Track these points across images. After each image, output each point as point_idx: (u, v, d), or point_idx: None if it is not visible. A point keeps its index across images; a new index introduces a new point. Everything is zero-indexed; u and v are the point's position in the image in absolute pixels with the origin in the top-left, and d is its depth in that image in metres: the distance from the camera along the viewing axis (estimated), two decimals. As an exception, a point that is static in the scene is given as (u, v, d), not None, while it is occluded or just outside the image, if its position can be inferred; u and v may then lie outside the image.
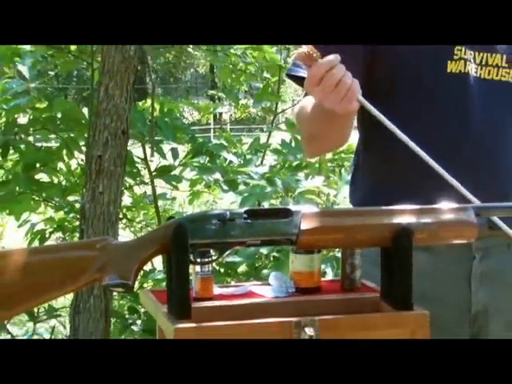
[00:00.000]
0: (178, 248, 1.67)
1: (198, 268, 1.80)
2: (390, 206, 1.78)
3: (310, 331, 1.63)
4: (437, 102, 2.09)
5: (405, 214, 1.75)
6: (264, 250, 3.78)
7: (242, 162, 4.30)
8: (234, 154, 4.41)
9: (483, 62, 2.13)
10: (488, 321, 2.18)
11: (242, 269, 4.03)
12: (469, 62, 2.11)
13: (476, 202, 1.90)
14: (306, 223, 1.71)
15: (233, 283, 2.05)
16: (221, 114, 16.62)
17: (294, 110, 2.24)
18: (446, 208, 1.78)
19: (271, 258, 3.87)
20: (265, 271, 3.76)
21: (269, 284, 1.93)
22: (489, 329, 2.19)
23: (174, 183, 4.43)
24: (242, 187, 4.02)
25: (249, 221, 1.71)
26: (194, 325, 1.63)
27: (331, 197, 3.86)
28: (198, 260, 1.76)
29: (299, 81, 2.18)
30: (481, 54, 2.12)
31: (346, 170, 4.22)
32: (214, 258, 1.77)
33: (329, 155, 4.35)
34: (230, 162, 4.31)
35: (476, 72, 2.12)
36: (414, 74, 2.08)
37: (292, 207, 1.74)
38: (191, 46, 4.91)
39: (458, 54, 2.10)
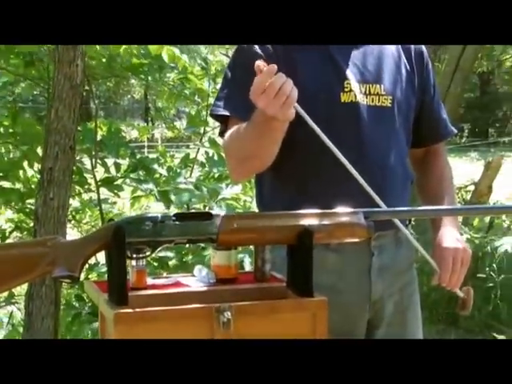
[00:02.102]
0: (117, 245, 1.66)
1: (133, 262, 1.78)
2: (296, 211, 1.80)
3: (227, 315, 1.64)
4: (333, 127, 2.09)
5: (307, 217, 1.76)
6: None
7: (172, 174, 4.30)
8: (167, 168, 4.41)
9: (367, 92, 2.15)
10: (384, 304, 2.22)
11: (172, 263, 4.03)
12: (358, 93, 2.13)
13: (383, 206, 1.95)
14: (224, 225, 1.71)
15: (164, 275, 2.04)
16: (153, 133, 16.58)
17: (223, 141, 2.20)
18: (341, 212, 1.79)
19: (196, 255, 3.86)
20: (191, 265, 3.76)
21: (194, 275, 1.92)
22: (384, 311, 2.22)
23: (115, 191, 4.42)
24: (173, 196, 4.03)
25: (177, 223, 1.70)
26: (130, 310, 1.62)
27: (247, 203, 3.87)
28: (134, 255, 1.75)
29: (220, 117, 2.19)
30: (365, 85, 2.15)
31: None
32: (147, 253, 1.76)
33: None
34: (161, 174, 4.31)
35: (363, 100, 2.14)
36: (313, 103, 2.07)
37: (213, 211, 1.75)
38: (130, 74, 4.85)
39: (347, 87, 2.12)
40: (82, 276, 1.73)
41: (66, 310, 4.20)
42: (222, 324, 1.64)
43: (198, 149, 4.89)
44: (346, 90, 2.13)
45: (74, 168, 3.86)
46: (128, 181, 4.39)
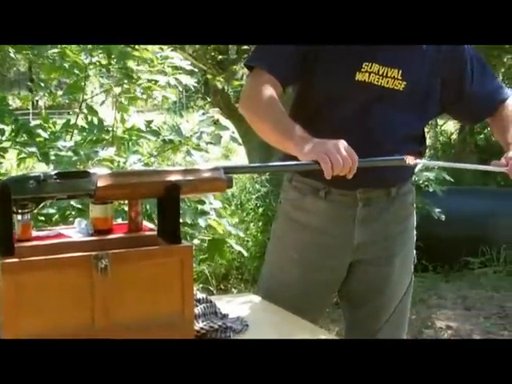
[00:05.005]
0: (3, 202, 1.60)
1: (19, 217, 1.72)
2: (164, 168, 1.79)
3: (104, 262, 1.62)
4: (346, 102, 2.17)
5: (173, 174, 1.74)
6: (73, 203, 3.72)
7: (53, 138, 4.18)
8: (49, 133, 4.28)
9: (384, 74, 2.15)
10: (367, 249, 2.29)
11: (56, 218, 3.94)
12: (373, 74, 2.14)
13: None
14: (101, 182, 1.68)
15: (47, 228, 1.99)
16: (37, 101, 16.12)
17: (251, 82, 2.25)
18: (204, 168, 1.79)
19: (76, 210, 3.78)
20: (72, 219, 3.68)
21: (74, 227, 1.88)
22: (367, 254, 2.30)
23: (1, 153, 4.27)
24: (54, 158, 3.92)
25: (58, 181, 1.66)
26: (16, 260, 1.58)
27: (121, 163, 3.80)
28: (19, 211, 1.69)
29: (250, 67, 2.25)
30: (383, 68, 2.15)
31: (133, 143, 4.16)
32: (31, 209, 1.71)
33: (119, 132, 4.28)
34: (45, 138, 4.19)
35: (378, 81, 2.15)
36: (331, 79, 2.16)
37: (90, 170, 1.71)
38: (12, 51, 4.66)
39: (365, 68, 2.14)
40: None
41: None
42: (100, 270, 1.62)
43: (77, 115, 4.76)
44: (362, 70, 2.14)
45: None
46: (12, 144, 4.26)
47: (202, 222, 3.60)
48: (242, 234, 4.24)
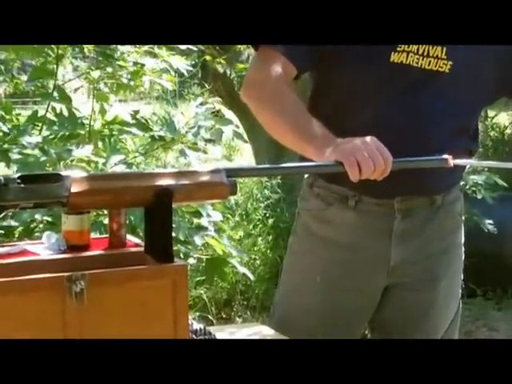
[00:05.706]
0: (-46, 212, 1.61)
1: (-26, 230, 1.74)
2: (154, 170, 1.79)
3: (80, 284, 1.62)
4: (380, 90, 2.15)
5: (166, 177, 1.74)
6: (38, 217, 3.71)
7: (16, 132, 4.16)
8: (11, 126, 4.26)
9: (425, 53, 2.13)
10: (406, 270, 2.27)
11: (19, 230, 3.93)
12: (411, 54, 2.11)
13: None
14: (75, 187, 1.68)
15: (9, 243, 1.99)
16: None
17: (256, 68, 2.27)
18: (202, 171, 1.79)
19: (45, 222, 3.78)
20: (39, 232, 3.68)
21: (42, 243, 1.88)
22: (406, 277, 2.29)
23: None
24: (17, 156, 3.90)
25: (22, 185, 1.65)
26: (-29, 283, 1.58)
27: (100, 164, 3.80)
28: (-26, 222, 1.71)
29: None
30: (423, 46, 2.12)
31: (115, 139, 4.15)
32: (-11, 220, 1.72)
33: (98, 125, 4.27)
34: (6, 133, 4.17)
35: (417, 62, 2.12)
36: (364, 62, 2.13)
37: (62, 172, 1.71)
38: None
39: (401, 47, 2.11)
40: None
41: None
42: (74, 295, 1.62)
43: (48, 104, 4.75)
44: (398, 49, 2.12)
45: None
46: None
47: (197, 239, 3.56)
48: (246, 258, 4.21)
